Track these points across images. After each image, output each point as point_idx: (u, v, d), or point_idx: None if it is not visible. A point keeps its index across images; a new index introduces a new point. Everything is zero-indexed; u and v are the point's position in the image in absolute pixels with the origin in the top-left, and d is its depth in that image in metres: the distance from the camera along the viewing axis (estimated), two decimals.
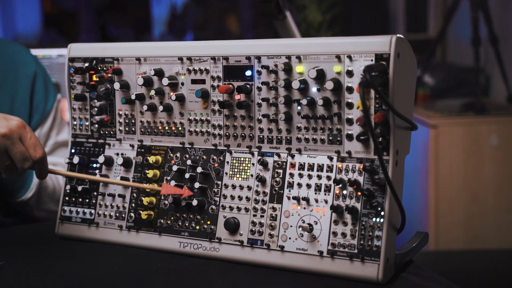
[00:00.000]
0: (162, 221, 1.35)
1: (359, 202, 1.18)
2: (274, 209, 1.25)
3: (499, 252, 3.25)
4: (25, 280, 1.19)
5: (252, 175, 1.29)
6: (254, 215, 1.27)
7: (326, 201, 1.21)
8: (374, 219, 1.16)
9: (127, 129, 1.41)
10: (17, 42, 1.91)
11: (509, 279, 2.84)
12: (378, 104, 1.16)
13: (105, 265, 1.27)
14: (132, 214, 1.38)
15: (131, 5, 6.05)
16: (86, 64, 1.43)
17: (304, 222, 1.22)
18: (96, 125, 1.44)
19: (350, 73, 1.18)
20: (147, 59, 1.37)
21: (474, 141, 3.33)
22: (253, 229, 1.26)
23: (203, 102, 1.33)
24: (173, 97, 1.34)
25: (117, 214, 1.40)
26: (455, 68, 4.15)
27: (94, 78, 1.42)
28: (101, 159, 1.41)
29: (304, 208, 1.23)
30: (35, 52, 2.37)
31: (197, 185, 1.31)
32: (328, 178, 1.22)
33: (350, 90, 1.19)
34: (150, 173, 1.36)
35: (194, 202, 1.30)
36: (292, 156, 1.26)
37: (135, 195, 1.39)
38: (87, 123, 1.45)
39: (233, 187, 1.30)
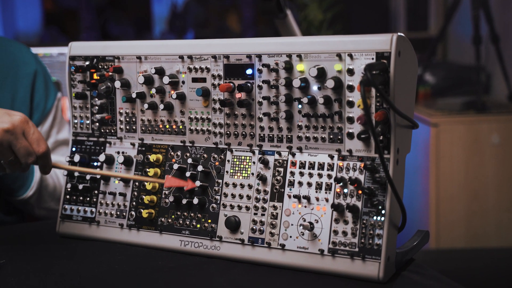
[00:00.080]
0: (163, 219, 1.35)
1: (360, 201, 1.18)
2: (275, 207, 1.25)
3: (500, 251, 3.25)
4: (26, 279, 1.19)
5: (253, 174, 1.29)
6: (255, 214, 1.27)
7: (327, 200, 1.21)
8: (375, 217, 1.16)
9: (128, 127, 1.41)
10: (17, 41, 1.91)
11: (510, 277, 2.85)
12: (379, 103, 1.16)
13: (105, 263, 1.27)
14: (133, 213, 1.38)
15: (132, 3, 6.05)
16: (87, 63, 1.43)
17: (305, 220, 1.22)
18: (97, 124, 1.44)
19: (351, 72, 1.18)
20: (148, 58, 1.37)
21: (475, 139, 3.33)
22: (254, 227, 1.26)
23: (204, 100, 1.33)
24: (174, 96, 1.34)
25: (118, 213, 1.40)
26: (456, 67, 4.15)
27: (95, 76, 1.42)
28: (102, 157, 1.41)
29: (305, 206, 1.23)
30: (36, 50, 2.37)
31: (198, 183, 1.31)
32: (329, 176, 1.22)
33: (351, 88, 1.19)
34: (151, 172, 1.36)
35: (195, 201, 1.30)
36: (293, 155, 1.26)
37: (136, 193, 1.39)
38: (88, 122, 1.45)
39: (234, 185, 1.30)
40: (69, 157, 1.44)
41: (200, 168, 1.31)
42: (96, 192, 1.43)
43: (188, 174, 1.32)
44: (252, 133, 1.29)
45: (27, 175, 1.67)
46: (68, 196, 1.45)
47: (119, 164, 1.40)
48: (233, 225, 1.28)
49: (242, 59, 1.28)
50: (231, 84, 1.29)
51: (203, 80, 1.33)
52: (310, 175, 1.23)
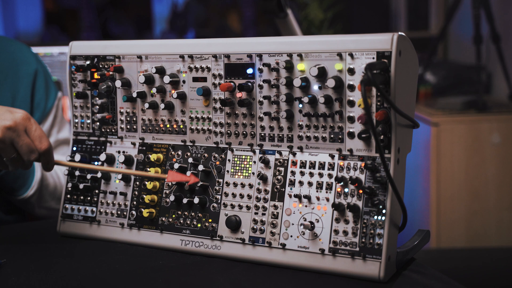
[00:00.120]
0: (163, 219, 1.35)
1: (360, 200, 1.18)
2: (275, 207, 1.25)
3: (501, 250, 3.25)
4: (26, 279, 1.19)
5: (253, 173, 1.29)
6: (256, 213, 1.27)
7: (327, 199, 1.21)
8: (375, 217, 1.16)
9: (128, 127, 1.41)
10: (18, 40, 1.91)
11: (510, 276, 2.84)
12: (379, 102, 1.16)
13: (106, 263, 1.27)
14: (134, 212, 1.38)
15: (132, 3, 6.05)
16: (88, 62, 1.43)
17: (305, 220, 1.22)
18: (98, 123, 1.44)
19: (351, 71, 1.18)
20: (149, 57, 1.37)
21: (475, 139, 3.33)
22: (255, 227, 1.26)
23: (205, 100, 1.33)
24: (175, 95, 1.34)
25: (119, 212, 1.40)
26: (457, 66, 4.15)
27: (96, 76, 1.42)
28: (102, 157, 1.41)
29: (306, 206, 1.23)
30: (37, 50, 2.37)
31: (198, 183, 1.31)
32: (330, 176, 1.22)
33: (351, 88, 1.19)
34: (152, 171, 1.36)
35: (196, 200, 1.30)
36: (294, 154, 1.26)
37: (136, 193, 1.39)
38: (88, 121, 1.45)
39: (235, 185, 1.30)
40: (70, 156, 1.44)
41: (200, 167, 1.31)
42: (96, 191, 1.43)
43: (188, 173, 1.32)
44: (252, 133, 1.29)
45: (28, 175, 1.67)
46: (68, 196, 1.45)
47: (119, 163, 1.40)
48: (234, 224, 1.27)
49: (243, 58, 1.28)
50: (232, 83, 1.29)
51: (204, 79, 1.33)
52: (311, 174, 1.23)
